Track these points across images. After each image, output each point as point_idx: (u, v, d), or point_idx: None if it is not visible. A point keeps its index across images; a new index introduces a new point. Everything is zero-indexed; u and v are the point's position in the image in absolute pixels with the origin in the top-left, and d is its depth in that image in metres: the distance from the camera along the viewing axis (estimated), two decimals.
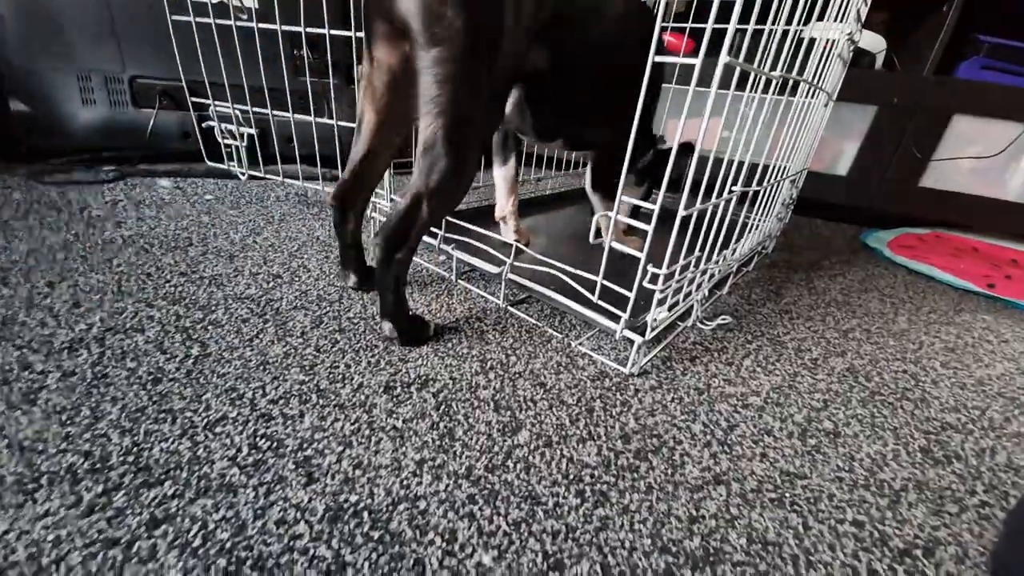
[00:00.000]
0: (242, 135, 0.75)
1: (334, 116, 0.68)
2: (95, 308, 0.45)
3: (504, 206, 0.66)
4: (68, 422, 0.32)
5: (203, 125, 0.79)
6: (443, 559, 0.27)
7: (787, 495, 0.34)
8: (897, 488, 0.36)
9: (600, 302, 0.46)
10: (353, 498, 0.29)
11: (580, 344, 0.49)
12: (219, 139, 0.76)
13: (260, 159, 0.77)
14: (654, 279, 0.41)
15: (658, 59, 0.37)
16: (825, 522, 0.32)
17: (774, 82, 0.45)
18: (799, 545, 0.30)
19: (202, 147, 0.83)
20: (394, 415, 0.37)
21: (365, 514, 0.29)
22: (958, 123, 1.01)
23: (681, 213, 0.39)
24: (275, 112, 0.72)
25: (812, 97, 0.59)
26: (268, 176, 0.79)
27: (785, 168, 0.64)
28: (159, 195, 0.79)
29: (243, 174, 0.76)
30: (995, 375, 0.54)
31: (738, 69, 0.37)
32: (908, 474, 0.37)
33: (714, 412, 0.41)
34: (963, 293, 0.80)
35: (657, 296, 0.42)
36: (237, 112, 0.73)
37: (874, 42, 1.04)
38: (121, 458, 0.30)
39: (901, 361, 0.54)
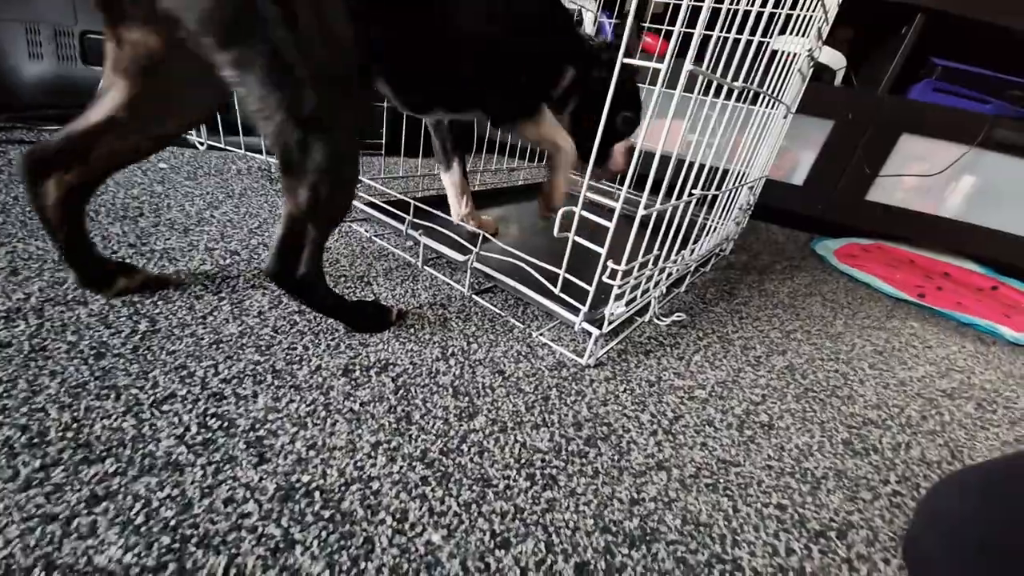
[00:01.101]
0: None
1: None
2: (34, 277, 0.43)
3: (458, 210, 0.66)
4: (4, 394, 0.31)
5: None
6: (393, 537, 0.27)
7: (721, 481, 0.36)
8: (819, 476, 0.39)
9: (561, 295, 0.47)
10: (305, 478, 0.30)
11: (540, 334, 0.50)
12: None
13: (220, 129, 0.74)
14: (613, 275, 0.43)
15: (626, 61, 0.38)
16: (752, 505, 0.34)
17: (735, 91, 0.47)
18: (727, 526, 0.32)
19: None
20: (351, 398, 0.37)
21: (317, 494, 0.29)
22: (906, 142, 1.07)
23: (640, 212, 0.40)
24: None
25: (772, 108, 0.62)
26: (229, 148, 0.76)
27: (744, 174, 0.67)
28: None
29: (201, 143, 0.73)
30: (916, 377, 0.59)
31: (701, 76, 0.39)
32: (830, 464, 0.41)
33: (662, 403, 0.44)
34: (896, 301, 0.86)
35: (615, 291, 0.44)
36: None
37: (835, 59, 1.10)
38: (60, 433, 0.29)
39: (834, 361, 0.59)
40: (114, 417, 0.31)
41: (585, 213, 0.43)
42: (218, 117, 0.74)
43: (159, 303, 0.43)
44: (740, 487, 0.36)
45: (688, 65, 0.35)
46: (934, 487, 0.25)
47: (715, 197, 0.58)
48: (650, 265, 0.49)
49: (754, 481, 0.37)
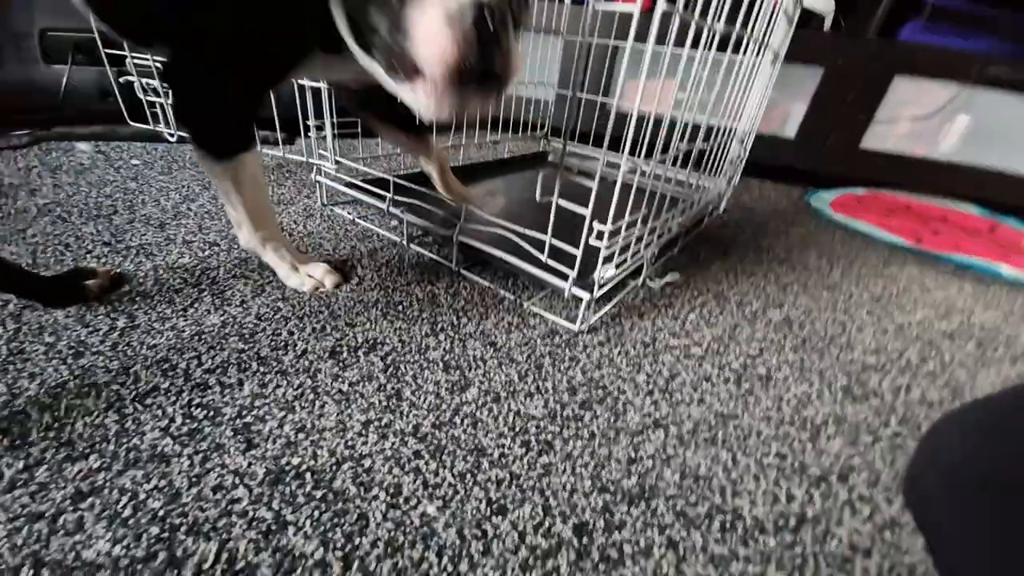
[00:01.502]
0: (167, 91, 0.68)
1: None
2: None
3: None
4: None
5: (121, 80, 0.72)
6: (387, 512, 0.27)
7: (720, 434, 0.36)
8: (818, 423, 0.38)
9: (550, 261, 0.46)
10: (295, 460, 0.29)
11: (532, 304, 0.49)
12: (140, 96, 0.70)
13: None
14: (600, 236, 0.42)
15: (600, 7, 0.36)
16: (752, 456, 0.34)
17: (718, 36, 0.45)
18: (727, 477, 0.32)
19: (122, 106, 0.76)
20: (340, 379, 0.36)
21: (308, 475, 0.28)
22: (899, 85, 1.04)
23: (623, 168, 0.39)
24: None
25: (758, 55, 0.60)
26: None
27: (732, 128, 0.65)
28: (78, 160, 0.73)
29: (172, 135, 0.71)
30: (915, 321, 0.58)
31: (678, 23, 0.37)
32: (829, 410, 0.40)
33: (658, 363, 0.43)
34: (894, 248, 0.85)
35: (603, 253, 0.43)
36: (158, 64, 0.67)
37: (823, 4, 1.06)
38: (42, 434, 0.29)
39: (832, 311, 0.58)
40: (96, 414, 0.30)
41: (577, 179, 0.41)
42: None
43: (137, 299, 0.42)
44: (739, 439, 0.36)
45: (662, 4, 0.33)
46: (933, 425, 0.24)
47: (704, 155, 0.56)
48: (638, 224, 0.47)
49: (753, 432, 0.36)
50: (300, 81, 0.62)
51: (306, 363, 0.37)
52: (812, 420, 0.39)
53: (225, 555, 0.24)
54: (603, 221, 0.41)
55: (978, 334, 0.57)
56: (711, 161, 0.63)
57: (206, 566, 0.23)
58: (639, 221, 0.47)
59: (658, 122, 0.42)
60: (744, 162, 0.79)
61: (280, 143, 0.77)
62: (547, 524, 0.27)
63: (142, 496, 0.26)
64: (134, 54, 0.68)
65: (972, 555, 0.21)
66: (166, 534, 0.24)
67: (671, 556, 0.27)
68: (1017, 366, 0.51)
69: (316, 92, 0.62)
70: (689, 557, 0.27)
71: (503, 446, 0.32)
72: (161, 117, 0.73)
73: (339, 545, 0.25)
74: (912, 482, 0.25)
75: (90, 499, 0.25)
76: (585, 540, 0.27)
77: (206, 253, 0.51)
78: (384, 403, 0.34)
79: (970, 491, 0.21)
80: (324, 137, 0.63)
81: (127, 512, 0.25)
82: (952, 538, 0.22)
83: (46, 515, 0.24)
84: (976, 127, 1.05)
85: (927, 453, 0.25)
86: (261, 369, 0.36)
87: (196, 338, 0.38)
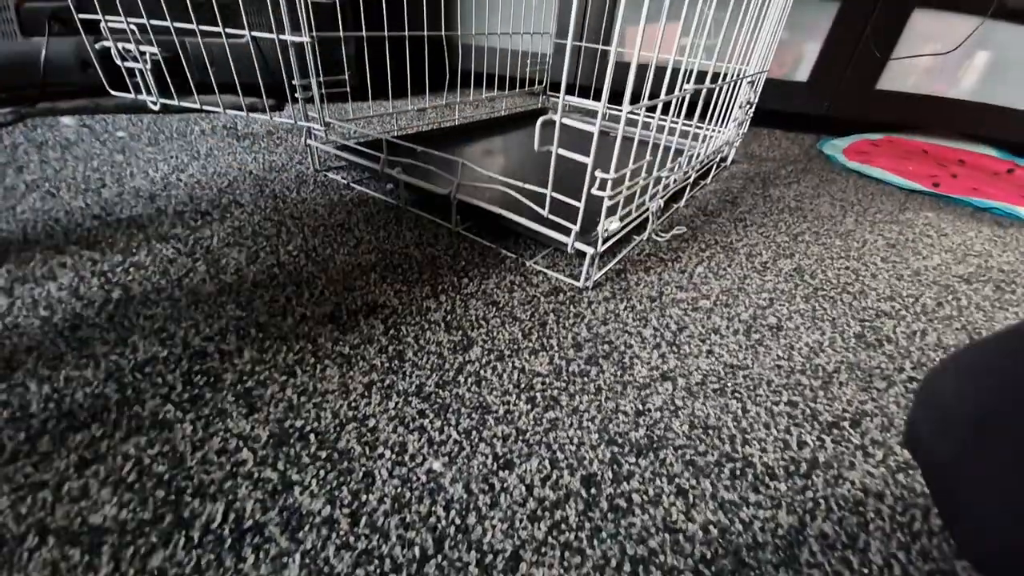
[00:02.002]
0: (144, 55, 0.65)
1: (246, 27, 0.60)
2: None
3: None
4: None
5: (98, 47, 0.68)
6: (393, 469, 0.27)
7: (729, 385, 0.35)
8: (830, 371, 0.38)
9: (551, 216, 0.44)
10: (299, 423, 0.29)
11: (534, 263, 0.48)
12: (118, 62, 0.67)
13: (172, 88, 0.68)
14: (602, 186, 0.40)
15: None
16: (762, 405, 0.34)
17: None
18: (737, 427, 0.32)
19: (102, 75, 0.73)
20: (340, 342, 0.35)
21: (312, 436, 0.28)
22: (917, 18, 0.98)
23: (626, 110, 0.36)
24: (177, 24, 0.62)
25: None
26: (184, 104, 0.71)
27: (741, 72, 0.61)
28: (63, 135, 0.71)
29: (154, 103, 0.68)
30: (931, 266, 0.57)
31: None
32: (841, 358, 0.39)
33: (665, 317, 0.42)
34: (909, 193, 0.82)
35: (606, 203, 0.41)
36: (133, 27, 0.64)
37: None
38: (42, 405, 0.28)
39: (845, 259, 0.56)
40: (95, 384, 0.30)
41: (568, 121, 0.39)
42: (167, 75, 0.69)
43: (131, 270, 0.41)
44: (749, 389, 0.35)
45: None
46: (931, 370, 0.23)
47: (710, 101, 0.53)
48: (642, 174, 0.45)
49: (763, 382, 0.36)
50: (282, 36, 0.59)
51: (306, 328, 0.36)
52: (824, 368, 0.38)
53: (232, 515, 0.24)
54: (603, 166, 0.39)
55: (996, 277, 0.55)
56: (718, 108, 0.60)
57: (214, 525, 0.23)
58: (643, 170, 0.45)
59: (661, 70, 0.39)
60: (754, 107, 0.75)
61: (268, 110, 0.74)
62: (554, 477, 0.27)
63: (146, 462, 0.26)
64: (108, 17, 0.65)
65: (974, 495, 0.20)
66: (172, 497, 0.24)
67: (680, 503, 0.26)
68: None
69: (300, 49, 0.59)
70: (699, 504, 0.26)
71: (508, 403, 0.32)
72: (142, 85, 0.70)
73: (346, 503, 0.25)
74: (911, 426, 0.24)
75: (94, 466, 0.25)
76: (593, 491, 0.27)
77: (198, 223, 0.49)
78: (386, 364, 0.34)
79: (968, 431, 0.21)
80: (311, 99, 0.60)
81: (132, 477, 0.25)
82: (953, 479, 0.21)
83: (50, 484, 0.24)
84: (996, 63, 0.99)
85: (925, 398, 0.24)
86: (260, 335, 0.35)
87: (193, 307, 0.37)
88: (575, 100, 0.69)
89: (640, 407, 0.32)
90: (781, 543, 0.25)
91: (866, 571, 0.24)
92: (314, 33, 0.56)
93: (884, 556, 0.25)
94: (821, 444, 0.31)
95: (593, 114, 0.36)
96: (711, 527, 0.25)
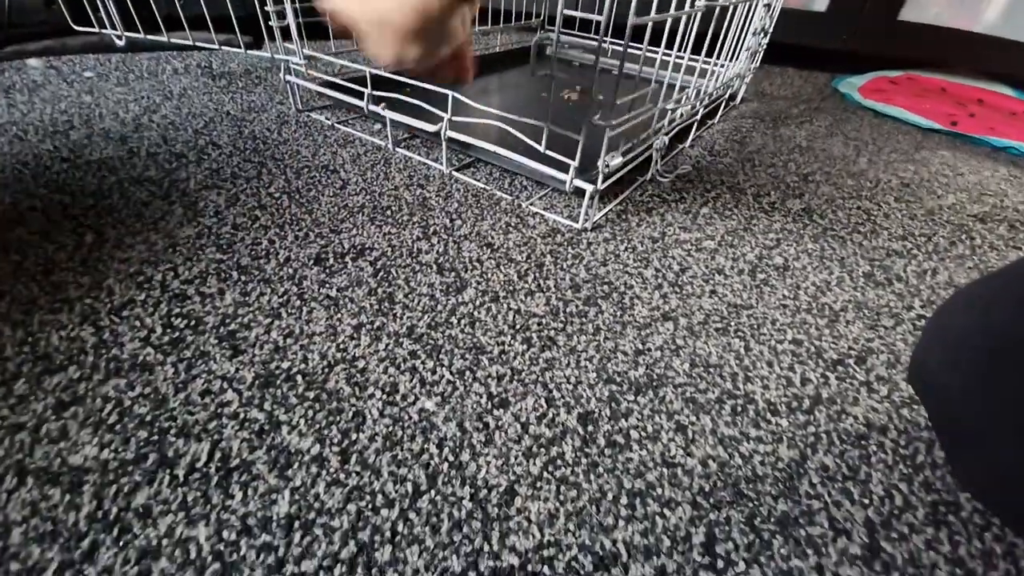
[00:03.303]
0: None
1: None
2: None
3: None
4: None
5: None
6: (384, 409, 0.26)
7: (732, 324, 0.34)
8: (837, 309, 0.36)
9: (549, 152, 0.42)
10: (285, 365, 0.28)
11: (531, 204, 0.46)
12: None
13: (138, 23, 0.63)
14: (604, 116, 0.37)
15: None
16: (766, 343, 0.32)
17: None
18: (739, 364, 0.31)
19: (65, 10, 0.67)
20: (327, 285, 0.34)
21: (299, 378, 0.27)
22: None
23: (632, 21, 0.33)
24: None
25: None
26: (152, 39, 0.66)
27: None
28: (30, 78, 0.66)
29: (120, 39, 0.63)
30: (946, 205, 0.54)
31: None
32: (849, 297, 0.38)
33: (667, 258, 0.40)
34: (926, 132, 0.78)
35: (608, 134, 0.38)
36: None
37: None
38: (16, 349, 0.27)
39: (856, 199, 0.53)
40: (71, 328, 0.29)
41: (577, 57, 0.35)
42: (130, 6, 0.63)
43: (103, 213, 0.39)
44: (752, 328, 0.34)
45: None
46: (939, 307, 0.22)
47: (720, 32, 0.48)
48: (647, 101, 0.42)
49: (767, 321, 0.34)
50: None
51: (290, 271, 0.35)
52: (831, 306, 0.37)
53: (218, 454, 0.23)
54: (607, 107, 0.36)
55: (1011, 216, 0.53)
56: (729, 35, 0.55)
57: (199, 464, 0.22)
58: (647, 99, 0.41)
59: None
60: (768, 36, 0.70)
61: (244, 47, 0.69)
62: (551, 415, 0.26)
63: (127, 403, 0.25)
64: None
65: (982, 426, 0.20)
66: (155, 437, 0.23)
67: (679, 439, 0.26)
68: None
69: None
70: (698, 439, 0.26)
71: (503, 344, 0.31)
72: (106, 20, 0.65)
73: (336, 441, 0.24)
74: (919, 364, 0.23)
75: (72, 408, 0.24)
76: (590, 428, 0.26)
77: (173, 165, 0.46)
78: (376, 307, 0.33)
79: (978, 363, 0.20)
80: (288, 27, 0.55)
81: (113, 419, 0.24)
82: (960, 411, 0.21)
83: (27, 425, 0.23)
84: None
85: (935, 331, 0.23)
86: (243, 278, 0.34)
87: (170, 250, 0.36)
88: (575, 35, 0.64)
89: (640, 347, 0.31)
90: (781, 475, 0.24)
91: (866, 501, 0.24)
92: None
93: (886, 487, 0.24)
94: (825, 381, 0.30)
95: (593, 50, 0.33)
96: (710, 461, 0.25)
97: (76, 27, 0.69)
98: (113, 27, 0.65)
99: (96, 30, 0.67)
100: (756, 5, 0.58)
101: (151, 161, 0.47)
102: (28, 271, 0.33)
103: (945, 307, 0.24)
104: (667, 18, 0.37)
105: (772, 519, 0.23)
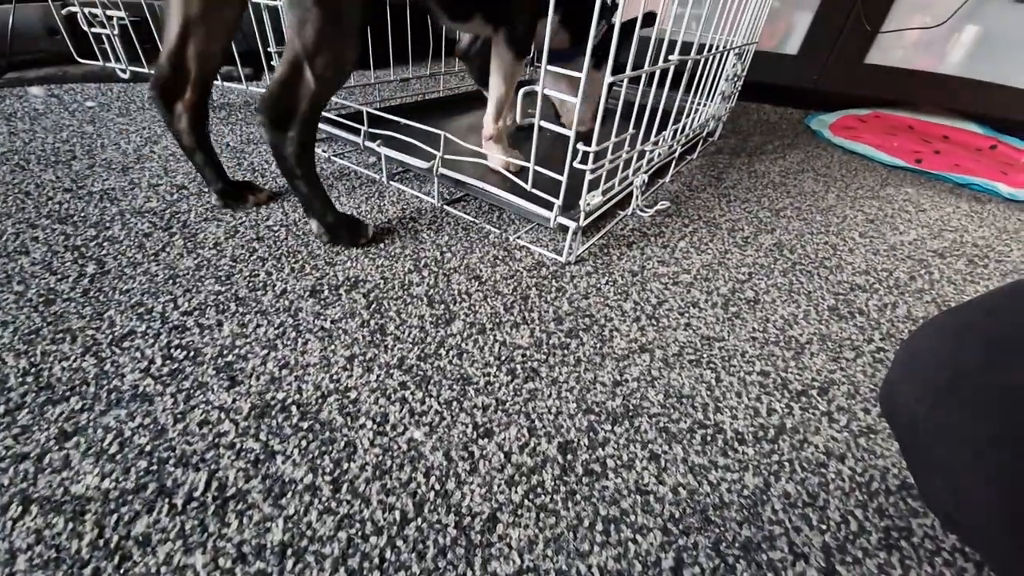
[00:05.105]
0: (111, 20, 0.62)
1: None
2: None
3: (489, 125, 0.53)
4: None
5: (64, 12, 0.65)
6: (374, 439, 0.27)
7: (705, 356, 0.36)
8: (803, 342, 0.39)
9: (534, 191, 0.44)
10: (280, 395, 0.29)
11: (518, 238, 0.48)
12: (84, 27, 0.64)
13: (142, 55, 0.66)
14: (584, 159, 0.40)
15: None
16: (735, 375, 0.35)
17: None
18: (710, 395, 0.33)
19: (69, 42, 0.69)
20: (322, 317, 0.36)
21: (293, 408, 0.29)
22: None
23: (607, 79, 0.36)
24: None
25: None
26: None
27: (729, 43, 0.60)
28: (31, 106, 0.68)
29: (124, 71, 0.65)
30: (907, 241, 0.58)
31: None
32: (814, 330, 0.40)
33: (646, 291, 0.43)
34: (892, 170, 0.82)
35: (588, 177, 0.41)
36: None
37: None
38: (20, 379, 0.28)
39: (824, 234, 0.57)
40: (73, 358, 0.30)
41: (550, 92, 0.38)
42: (135, 39, 0.66)
43: (104, 244, 0.40)
44: (723, 359, 0.36)
45: None
46: (912, 334, 0.24)
47: (695, 76, 0.52)
48: (625, 147, 0.45)
49: (738, 353, 0.37)
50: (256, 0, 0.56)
51: (286, 302, 0.36)
52: (797, 339, 0.39)
53: (215, 483, 0.24)
54: (585, 140, 0.39)
55: (969, 252, 0.57)
56: (704, 81, 0.59)
57: (196, 493, 0.24)
58: (626, 143, 0.44)
59: (646, 40, 0.38)
60: (742, 80, 0.75)
61: (244, 79, 0.72)
62: (532, 444, 0.28)
63: (127, 433, 0.26)
64: None
65: (946, 452, 0.21)
66: (155, 467, 0.25)
67: (652, 467, 0.27)
68: (1006, 281, 0.51)
69: (274, 13, 0.57)
70: (670, 468, 0.28)
71: (489, 375, 0.32)
72: (111, 52, 0.67)
73: (328, 470, 0.25)
74: (887, 387, 0.25)
75: (75, 438, 0.25)
76: (569, 457, 0.28)
77: (174, 196, 0.48)
78: (368, 338, 0.34)
79: (944, 390, 0.22)
80: None
81: (113, 449, 0.25)
82: (927, 437, 0.22)
83: (31, 455, 0.24)
84: (985, 37, 0.99)
85: (904, 360, 0.25)
86: (240, 310, 0.35)
87: (170, 281, 0.37)
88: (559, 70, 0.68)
89: (618, 377, 0.33)
90: (746, 502, 0.26)
91: (824, 527, 0.25)
92: None
93: (842, 513, 0.26)
94: (789, 411, 0.32)
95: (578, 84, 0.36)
96: (680, 489, 0.26)
97: (80, 59, 0.71)
98: (117, 60, 0.68)
99: (100, 63, 0.69)
100: (727, 55, 0.62)
101: (152, 192, 0.48)
102: (31, 301, 0.34)
103: (917, 334, 0.25)
104: (642, 73, 0.41)
105: (736, 544, 0.24)
